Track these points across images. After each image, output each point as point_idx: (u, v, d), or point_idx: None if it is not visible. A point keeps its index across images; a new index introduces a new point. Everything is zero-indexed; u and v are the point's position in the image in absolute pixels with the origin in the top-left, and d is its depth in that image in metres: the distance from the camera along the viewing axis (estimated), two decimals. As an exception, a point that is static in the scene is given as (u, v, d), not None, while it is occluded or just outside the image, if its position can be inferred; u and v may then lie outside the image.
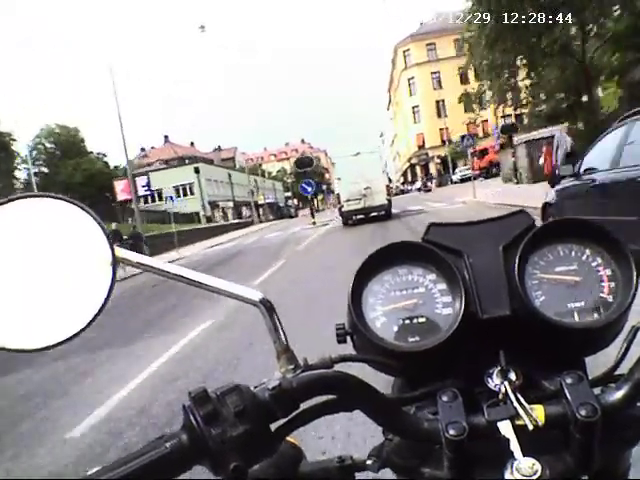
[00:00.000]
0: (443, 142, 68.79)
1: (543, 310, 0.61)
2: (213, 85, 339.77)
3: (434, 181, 50.47)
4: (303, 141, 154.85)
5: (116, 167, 62.27)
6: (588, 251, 0.65)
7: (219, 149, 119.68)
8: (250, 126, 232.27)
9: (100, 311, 0.57)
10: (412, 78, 71.31)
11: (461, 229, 0.70)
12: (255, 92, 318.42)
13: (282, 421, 0.56)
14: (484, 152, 46.78)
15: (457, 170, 56.76)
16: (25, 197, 0.58)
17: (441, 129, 69.03)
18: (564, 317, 0.61)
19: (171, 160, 68.52)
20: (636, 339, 0.61)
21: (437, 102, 69.43)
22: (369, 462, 0.66)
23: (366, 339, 0.62)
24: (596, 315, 0.61)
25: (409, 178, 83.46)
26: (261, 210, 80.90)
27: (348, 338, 0.66)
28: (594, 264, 0.64)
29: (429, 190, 46.73)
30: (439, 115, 69.34)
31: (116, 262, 0.58)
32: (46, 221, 0.57)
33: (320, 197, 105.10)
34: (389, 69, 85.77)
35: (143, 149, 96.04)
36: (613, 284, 0.63)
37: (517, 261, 0.63)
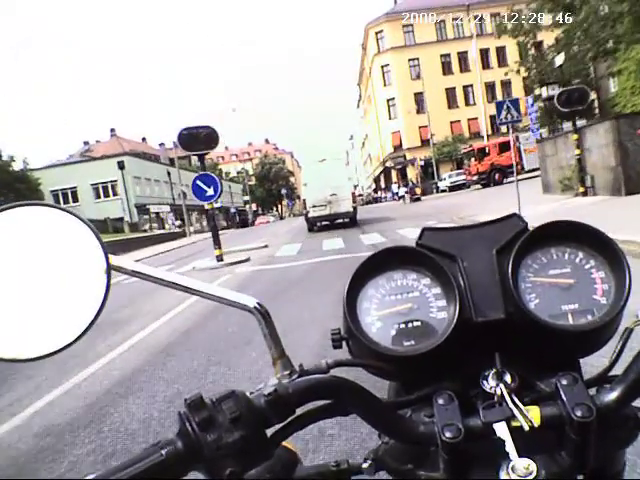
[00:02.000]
0: (423, 142, 58.61)
1: (537, 313, 0.61)
2: (172, 79, 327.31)
3: (403, 190, 40.11)
4: (267, 141, 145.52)
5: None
6: (581, 254, 0.65)
7: (175, 146, 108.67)
8: (212, 123, 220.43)
9: (95, 318, 0.58)
10: (386, 65, 60.83)
11: (454, 233, 0.70)
12: (217, 87, 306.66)
13: (278, 426, 0.56)
14: (483, 152, 36.19)
15: (445, 176, 46.40)
16: (18, 206, 0.58)
17: (421, 127, 58.81)
18: (558, 319, 0.62)
19: (118, 156, 56.28)
20: (630, 340, 0.62)
21: (416, 95, 59.18)
22: (365, 465, 0.66)
23: (361, 344, 0.63)
24: (590, 317, 0.62)
25: (382, 184, 73.00)
26: (204, 217, 69.64)
27: (344, 343, 0.66)
28: (587, 266, 0.65)
29: (418, 199, 36.32)
30: (419, 111, 59.16)
31: (110, 270, 0.58)
32: (40, 230, 0.57)
33: (285, 202, 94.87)
34: (359, 56, 75.08)
35: (86, 143, 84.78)
36: (606, 286, 0.63)
37: (511, 264, 0.63)
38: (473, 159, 36.23)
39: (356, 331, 0.63)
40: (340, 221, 21.88)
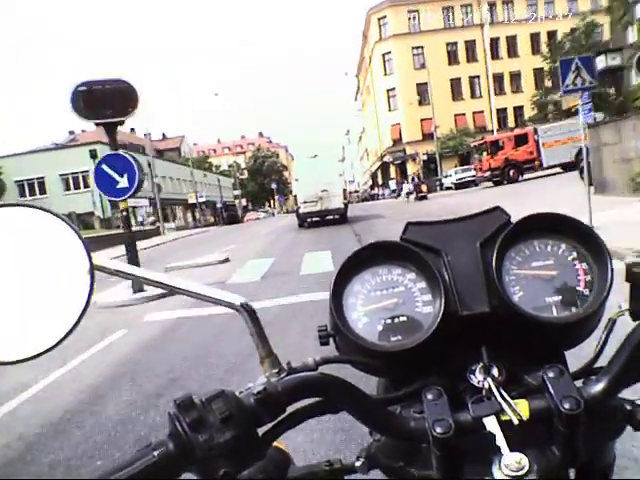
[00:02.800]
0: (425, 136, 54.32)
1: (521, 305, 0.61)
2: (166, 69, 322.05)
3: (407, 186, 35.18)
4: (261, 134, 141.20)
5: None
6: (564, 245, 0.66)
7: (164, 137, 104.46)
8: (203, 116, 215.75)
9: (79, 319, 0.57)
10: (388, 53, 56.53)
11: (438, 227, 0.70)
12: (211, 80, 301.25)
13: (269, 425, 0.56)
14: (497, 146, 31.60)
15: (450, 172, 41.97)
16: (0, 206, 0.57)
17: (423, 120, 54.54)
18: (542, 312, 0.62)
19: (90, 144, 51.56)
20: (614, 331, 0.62)
21: (419, 85, 54.88)
22: (358, 464, 0.65)
23: (349, 340, 0.63)
24: (574, 309, 0.62)
25: (379, 180, 68.75)
26: (189, 213, 65.17)
27: (331, 340, 0.66)
28: (570, 258, 0.65)
29: (424, 197, 31.10)
30: (421, 102, 54.89)
31: (94, 270, 0.58)
32: (21, 230, 0.57)
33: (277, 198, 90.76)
34: (359, 45, 70.60)
35: (72, 132, 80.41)
36: (589, 277, 0.63)
37: (494, 257, 0.64)
38: (485, 153, 31.79)
39: (343, 327, 0.63)
40: (330, 217, 22.05)
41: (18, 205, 0.58)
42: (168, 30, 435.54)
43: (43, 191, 44.39)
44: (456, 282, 0.64)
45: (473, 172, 37.57)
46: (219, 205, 68.02)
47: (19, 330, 0.55)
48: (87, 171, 44.56)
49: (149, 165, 53.07)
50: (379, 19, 56.69)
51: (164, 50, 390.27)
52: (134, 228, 37.64)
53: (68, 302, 0.56)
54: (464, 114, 55.34)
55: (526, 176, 30.38)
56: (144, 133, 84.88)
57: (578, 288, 0.63)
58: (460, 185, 38.47)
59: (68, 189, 45.18)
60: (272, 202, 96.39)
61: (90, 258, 0.57)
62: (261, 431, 0.55)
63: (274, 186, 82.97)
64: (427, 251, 0.66)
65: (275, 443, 0.61)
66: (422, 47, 54.31)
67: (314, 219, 22.43)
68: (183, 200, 60.91)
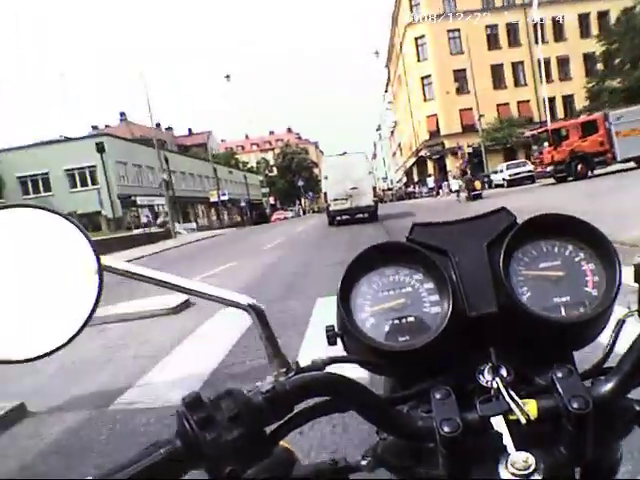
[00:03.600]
0: (465, 128, 49.52)
1: (530, 306, 0.62)
2: (195, 65, 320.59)
3: (457, 183, 29.69)
4: (290, 130, 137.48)
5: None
6: (571, 246, 0.66)
7: (190, 133, 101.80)
8: (232, 112, 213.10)
9: (88, 320, 0.58)
10: (421, 37, 51.87)
11: (445, 228, 0.71)
12: (243, 76, 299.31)
13: (276, 424, 0.57)
14: (560, 135, 26.50)
15: (501, 167, 36.81)
16: (6, 207, 0.58)
17: (462, 110, 49.77)
18: (551, 312, 0.62)
19: (96, 136, 48.23)
20: (622, 331, 0.62)
21: (456, 72, 50.19)
22: (363, 463, 0.66)
23: (356, 340, 0.63)
24: (582, 309, 0.62)
25: (415, 177, 64.08)
26: (213, 211, 61.67)
27: (338, 340, 0.67)
28: (577, 259, 0.65)
29: (478, 196, 25.65)
30: (460, 90, 50.13)
31: (102, 270, 0.59)
32: (29, 231, 0.58)
33: (312, 195, 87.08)
34: (388, 30, 65.86)
35: (95, 127, 78.29)
36: (597, 278, 0.64)
37: (502, 258, 0.64)
38: (547, 144, 26.64)
39: (350, 327, 0.63)
40: (360, 215, 21.97)
41: (26, 206, 0.59)
42: (196, 24, 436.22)
43: (48, 188, 41.33)
44: (464, 283, 0.64)
45: (529, 167, 32.71)
46: (243, 204, 64.45)
47: (28, 330, 0.56)
48: (94, 166, 41.47)
49: (166, 160, 49.94)
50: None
51: (192, 47, 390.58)
52: (136, 231, 33.36)
53: (76, 303, 0.57)
54: (507, 104, 50.48)
55: (597, 171, 25.46)
56: (166, 127, 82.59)
57: (586, 289, 0.63)
58: (513, 182, 33.45)
59: (74, 186, 41.99)
60: (302, 200, 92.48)
61: (98, 259, 0.58)
62: (268, 430, 0.56)
63: (301, 183, 79.11)
64: (434, 252, 0.67)
65: (281, 442, 0.62)
66: (458, 30, 49.68)
67: (344, 217, 22.35)
68: (205, 198, 57.37)
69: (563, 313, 0.62)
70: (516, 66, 51.19)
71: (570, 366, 0.56)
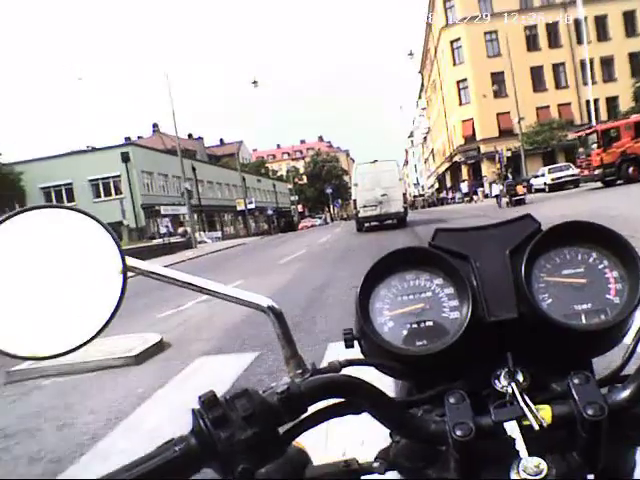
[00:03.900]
0: (502, 133, 47.20)
1: (550, 312, 0.61)
2: (227, 75, 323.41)
3: (498, 187, 26.94)
4: (321, 139, 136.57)
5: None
6: (595, 254, 0.66)
7: (222, 143, 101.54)
8: (262, 122, 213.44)
9: (111, 318, 0.59)
10: (457, 40, 49.88)
11: (467, 234, 0.70)
12: (273, 87, 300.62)
13: (290, 424, 0.58)
14: (610, 136, 24.22)
15: (542, 171, 34.49)
16: (36, 208, 0.60)
17: (500, 114, 47.50)
18: (571, 319, 0.62)
19: (122, 146, 47.52)
20: None
21: (493, 75, 48.00)
22: (376, 465, 0.66)
23: (374, 343, 0.63)
24: (603, 317, 0.62)
25: (447, 183, 61.86)
26: (240, 219, 60.48)
27: (356, 343, 0.67)
28: (601, 266, 0.65)
29: (521, 201, 23.78)
30: (497, 94, 47.89)
31: (126, 270, 0.60)
32: (57, 231, 0.59)
33: (340, 202, 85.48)
34: (422, 35, 63.88)
35: (128, 139, 78.37)
36: (620, 286, 0.63)
37: (524, 265, 0.64)
38: (595, 146, 24.39)
39: (368, 331, 0.63)
40: (389, 221, 22.53)
41: (55, 207, 0.60)
42: (228, 35, 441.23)
43: (71, 198, 40.29)
44: (484, 288, 0.64)
45: (573, 170, 30.33)
46: (270, 212, 63.14)
47: (53, 327, 0.57)
48: (119, 176, 40.57)
49: (193, 170, 48.93)
50: (444, 2, 50.16)
51: (226, 58, 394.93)
52: (155, 241, 32.00)
53: (101, 301, 0.59)
54: (548, 107, 47.96)
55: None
56: (196, 137, 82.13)
57: (608, 296, 0.63)
58: (555, 187, 31.10)
59: (98, 196, 41.03)
60: (331, 207, 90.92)
61: (123, 259, 0.60)
62: (282, 430, 0.56)
63: (329, 190, 77.48)
64: (455, 257, 0.67)
65: (294, 442, 0.62)
66: (496, 32, 47.53)
67: (372, 223, 22.65)
68: (232, 207, 56.27)
69: (584, 321, 0.62)
70: (557, 68, 48.68)
71: (587, 373, 0.56)
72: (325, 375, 0.60)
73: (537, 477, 0.50)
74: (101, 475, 0.48)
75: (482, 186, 44.34)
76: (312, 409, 0.59)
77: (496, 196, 26.55)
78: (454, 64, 50.66)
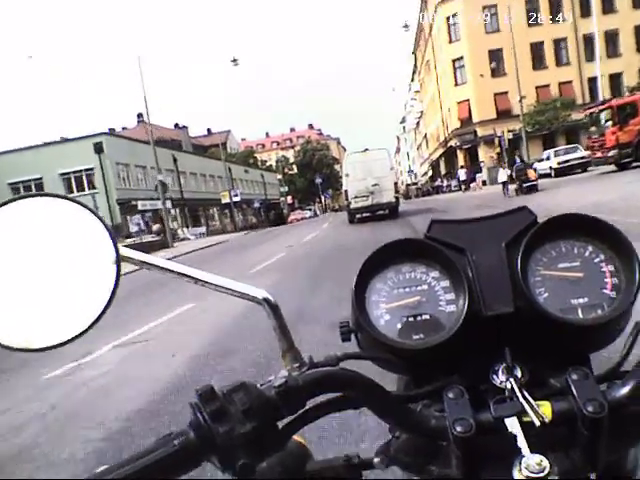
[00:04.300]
0: (500, 114, 44.48)
1: (547, 306, 0.61)
2: (211, 63, 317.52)
3: (505, 173, 23.76)
4: (311, 126, 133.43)
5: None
6: (591, 247, 0.65)
7: (209, 133, 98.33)
8: (251, 110, 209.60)
9: (105, 309, 0.59)
10: (453, 16, 47.01)
11: (463, 226, 0.70)
12: (260, 74, 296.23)
13: (289, 419, 0.57)
14: (625, 111, 21.49)
15: (547, 154, 31.88)
16: (28, 197, 0.59)
17: (498, 94, 44.81)
18: (568, 313, 0.61)
19: (95, 136, 44.17)
20: None
21: (492, 53, 45.25)
22: (376, 460, 0.65)
23: (370, 337, 0.63)
24: (600, 311, 0.62)
25: (442, 170, 59.15)
26: (227, 213, 57.53)
27: (352, 336, 0.66)
28: (597, 260, 0.65)
29: (533, 188, 20.79)
30: (495, 73, 45.13)
31: (120, 260, 0.59)
32: (49, 220, 0.58)
33: (331, 193, 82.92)
34: (416, 12, 60.83)
35: (112, 130, 75.30)
36: (616, 280, 0.63)
37: (520, 257, 0.63)
38: (610, 123, 21.70)
39: (365, 324, 0.63)
40: (382, 212, 22.19)
41: (45, 195, 0.59)
42: (214, 21, 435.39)
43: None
44: (480, 282, 0.64)
45: (581, 152, 28.01)
46: (256, 205, 60.20)
47: (46, 319, 0.57)
48: (92, 169, 37.57)
49: (174, 160, 45.89)
50: (441, -25, 47.19)
51: (212, 46, 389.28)
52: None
53: (94, 292, 0.58)
54: (548, 85, 45.26)
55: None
56: (180, 126, 78.82)
57: (605, 291, 0.63)
58: (561, 170, 28.56)
59: (70, 191, 37.79)
60: (321, 199, 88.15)
61: (117, 249, 0.59)
62: (281, 424, 0.56)
63: (319, 181, 74.69)
64: (451, 249, 0.66)
65: (294, 437, 0.62)
66: (495, 6, 44.67)
67: (364, 214, 22.33)
68: (218, 200, 53.31)
69: (580, 315, 0.62)
70: (558, 43, 45.93)
71: (586, 369, 0.56)
72: (323, 369, 0.59)
73: (540, 475, 0.50)
74: (99, 470, 0.48)
75: (480, 172, 41.67)
76: (310, 403, 0.58)
77: (503, 183, 23.57)
78: (450, 41, 47.85)
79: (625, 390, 0.55)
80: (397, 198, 22.27)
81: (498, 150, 36.82)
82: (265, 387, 0.55)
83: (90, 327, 0.58)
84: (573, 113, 38.17)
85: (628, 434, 0.57)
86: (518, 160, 22.88)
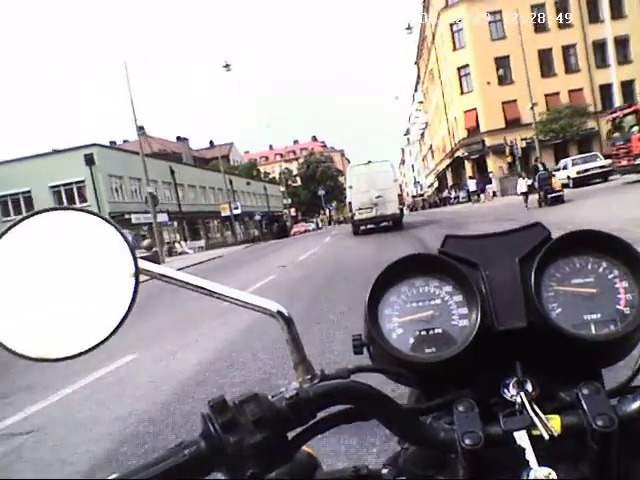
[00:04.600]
0: (509, 123, 42.91)
1: (559, 322, 0.61)
2: (215, 77, 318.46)
3: (525, 183, 21.69)
4: (315, 138, 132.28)
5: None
6: (605, 263, 0.65)
7: (212, 145, 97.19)
8: (256, 123, 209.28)
9: (122, 321, 0.59)
10: (457, 22, 45.52)
11: (477, 241, 0.71)
12: (263, 86, 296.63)
13: (299, 429, 0.58)
14: None
15: (564, 163, 30.11)
16: (49, 210, 0.60)
17: (506, 103, 43.24)
18: (581, 329, 0.61)
19: (86, 147, 42.59)
20: None
21: (498, 60, 43.73)
22: (385, 471, 0.66)
23: (382, 350, 0.64)
24: (613, 327, 0.62)
25: (449, 181, 57.52)
26: (228, 225, 55.97)
27: (365, 349, 0.67)
28: (611, 276, 0.65)
29: (558, 199, 19.13)
30: (502, 80, 43.59)
31: (139, 273, 0.60)
32: (70, 233, 0.59)
33: (335, 205, 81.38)
34: (418, 22, 59.47)
35: (113, 143, 74.15)
36: (630, 296, 0.63)
37: (533, 273, 0.64)
38: (636, 129, 19.99)
39: (377, 337, 0.63)
40: (385, 224, 22.65)
41: (68, 209, 0.60)
42: (218, 35, 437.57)
43: (30, 208, 35.59)
44: (493, 296, 0.64)
45: (601, 161, 26.29)
46: (257, 217, 58.58)
47: (65, 329, 0.58)
48: (83, 181, 36.08)
49: (171, 172, 44.37)
50: (444, -19, 45.84)
51: (217, 59, 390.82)
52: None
53: (112, 304, 0.59)
54: (557, 93, 43.59)
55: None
56: (182, 137, 77.52)
57: (618, 307, 0.63)
58: (582, 181, 26.83)
59: (61, 204, 36.18)
60: (327, 211, 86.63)
61: (136, 261, 0.60)
62: (291, 435, 0.57)
63: (322, 192, 73.17)
64: (465, 264, 0.67)
65: (304, 447, 0.62)
66: (500, 12, 43.22)
67: (369, 226, 23.06)
68: (218, 213, 51.76)
69: (593, 331, 0.61)
70: (567, 50, 44.40)
71: (597, 383, 0.56)
72: (334, 381, 0.60)
73: None
74: (111, 478, 0.49)
75: (490, 182, 40.02)
76: (321, 415, 0.58)
77: (523, 194, 21.71)
78: (454, 49, 46.35)
79: (636, 405, 0.54)
80: (401, 210, 22.74)
81: (509, 160, 35.19)
82: (276, 398, 0.55)
83: (107, 338, 0.59)
84: (588, 121, 36.56)
85: (638, 449, 0.57)
86: (541, 168, 21.03)
